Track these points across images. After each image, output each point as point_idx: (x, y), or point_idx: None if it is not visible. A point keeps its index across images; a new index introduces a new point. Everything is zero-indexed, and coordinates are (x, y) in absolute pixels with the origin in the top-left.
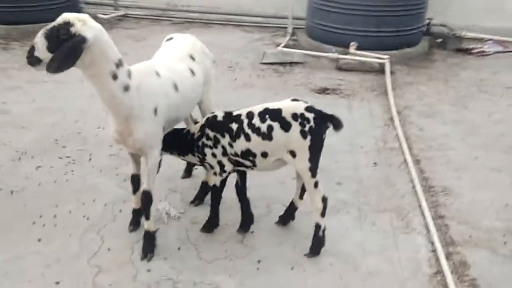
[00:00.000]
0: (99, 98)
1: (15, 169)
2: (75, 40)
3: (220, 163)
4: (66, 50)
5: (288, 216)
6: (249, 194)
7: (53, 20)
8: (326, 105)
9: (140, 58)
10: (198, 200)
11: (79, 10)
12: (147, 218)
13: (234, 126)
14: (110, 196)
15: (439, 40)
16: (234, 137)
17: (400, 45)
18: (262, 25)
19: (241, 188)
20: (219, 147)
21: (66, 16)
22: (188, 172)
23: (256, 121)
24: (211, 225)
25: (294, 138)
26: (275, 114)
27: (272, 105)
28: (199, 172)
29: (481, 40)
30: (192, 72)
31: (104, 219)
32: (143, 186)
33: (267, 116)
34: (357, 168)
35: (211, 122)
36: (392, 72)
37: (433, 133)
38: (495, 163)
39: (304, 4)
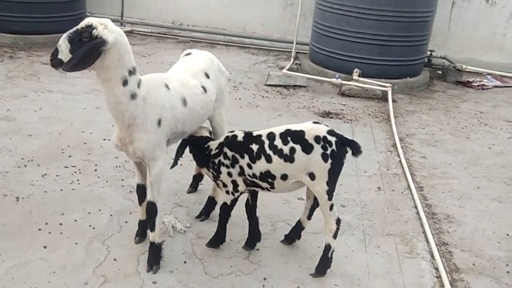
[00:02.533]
0: (105, 103)
1: (21, 176)
2: (96, 42)
3: (234, 182)
4: (85, 50)
5: (294, 235)
6: None
7: (60, 32)
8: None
9: (146, 73)
10: (204, 215)
11: None
12: (152, 229)
13: (255, 147)
14: (116, 207)
15: (439, 72)
16: (254, 158)
17: (403, 74)
18: (267, 48)
19: (251, 207)
20: (237, 167)
21: (88, 20)
22: (194, 187)
23: (278, 142)
24: (217, 240)
25: (315, 161)
26: (297, 136)
27: (293, 126)
28: (205, 187)
29: (480, 74)
30: (204, 89)
31: (109, 230)
32: (148, 197)
33: (289, 138)
34: (361, 192)
35: (231, 142)
36: (394, 100)
37: (435, 161)
38: (496, 194)
39: (308, 29)
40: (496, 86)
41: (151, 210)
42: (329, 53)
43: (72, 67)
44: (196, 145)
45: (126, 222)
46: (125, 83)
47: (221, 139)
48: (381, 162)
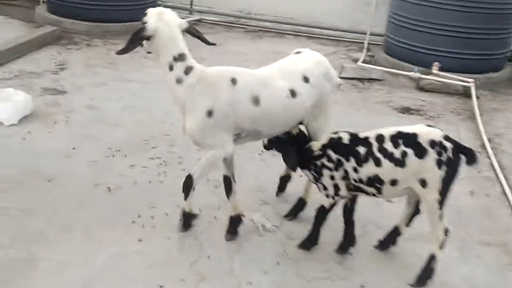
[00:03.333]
0: None
1: (110, 166)
2: (139, 28)
3: (336, 186)
4: (131, 36)
5: (389, 240)
6: None
7: (133, 20)
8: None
9: (218, 63)
10: (292, 215)
11: None
12: (185, 199)
13: (362, 149)
14: (204, 202)
15: None
16: (361, 161)
17: (485, 69)
18: (337, 38)
19: (349, 210)
20: (341, 170)
21: (150, 9)
22: (282, 190)
23: (388, 145)
24: (310, 243)
25: (428, 167)
26: (409, 139)
27: (405, 129)
28: (293, 188)
29: None
30: (292, 93)
31: (200, 225)
32: (192, 170)
33: (400, 141)
34: (452, 196)
35: (335, 144)
36: (476, 97)
37: None
38: None
39: (380, 20)
40: None
41: (188, 182)
42: (407, 45)
43: (121, 50)
44: (294, 145)
45: (215, 217)
46: (171, 68)
47: (325, 140)
48: None
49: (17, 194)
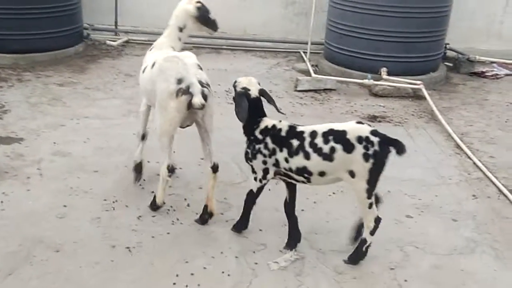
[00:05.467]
0: None
1: (116, 221)
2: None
3: (266, 170)
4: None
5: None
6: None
7: (61, 47)
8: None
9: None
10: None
11: (85, 37)
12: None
13: (295, 142)
14: (235, 247)
15: (449, 64)
16: (293, 153)
17: (426, 70)
18: (272, 49)
19: (290, 206)
20: (273, 158)
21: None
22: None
23: (318, 141)
24: (241, 226)
25: (356, 160)
26: (339, 136)
27: (337, 125)
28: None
29: (485, 63)
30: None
31: (245, 275)
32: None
33: (330, 137)
34: (460, 202)
35: (274, 134)
36: (424, 97)
37: (505, 160)
38: None
39: (314, 28)
40: (507, 74)
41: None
42: (352, 53)
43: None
44: (250, 104)
45: (256, 263)
46: None
47: (270, 125)
48: (457, 166)
49: (27, 273)
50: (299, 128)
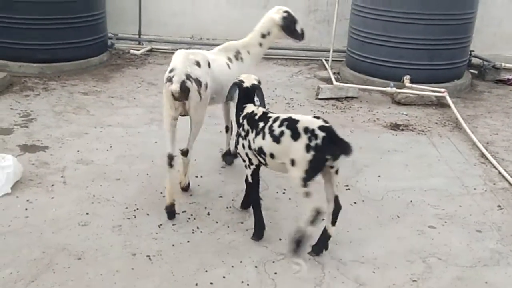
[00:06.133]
0: None
1: (137, 229)
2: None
3: (247, 155)
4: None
5: (321, 245)
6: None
7: (87, 57)
8: (409, 142)
9: None
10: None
11: (109, 46)
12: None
13: (261, 125)
14: (254, 256)
15: (474, 71)
16: (257, 134)
17: (450, 78)
18: (293, 57)
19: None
20: (247, 140)
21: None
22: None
23: (275, 124)
24: (259, 229)
25: (299, 149)
26: (292, 124)
27: (297, 116)
28: None
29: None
30: None
31: (264, 285)
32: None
33: (285, 123)
34: (485, 213)
35: (250, 117)
36: (448, 105)
37: None
38: None
39: (334, 36)
40: None
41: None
42: (375, 61)
43: None
44: (240, 90)
45: (275, 273)
46: None
47: (250, 111)
48: (482, 176)
49: (50, 280)
50: (270, 115)
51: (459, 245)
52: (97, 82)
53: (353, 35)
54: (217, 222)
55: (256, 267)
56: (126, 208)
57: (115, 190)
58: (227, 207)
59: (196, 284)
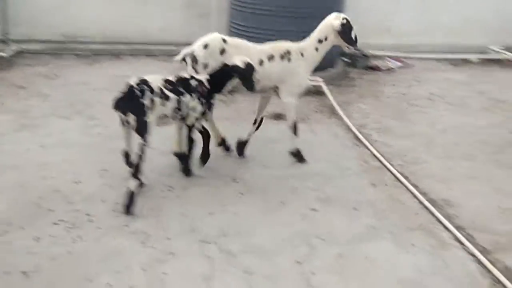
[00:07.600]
0: None
1: (12, 245)
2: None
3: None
4: None
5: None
6: None
7: None
8: None
9: (65, 99)
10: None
11: None
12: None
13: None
14: (141, 259)
15: (346, 59)
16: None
17: (325, 66)
18: (174, 53)
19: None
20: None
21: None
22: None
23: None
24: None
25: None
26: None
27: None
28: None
29: (380, 57)
30: None
31: (152, 287)
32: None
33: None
34: (360, 192)
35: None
36: (324, 93)
37: (400, 148)
38: (468, 172)
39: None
40: (399, 67)
41: None
42: None
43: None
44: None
45: (164, 273)
46: None
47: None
48: (357, 157)
49: None
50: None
51: (339, 224)
52: None
53: (232, 28)
54: (100, 228)
55: (143, 269)
56: None
57: None
58: (113, 210)
59: None
